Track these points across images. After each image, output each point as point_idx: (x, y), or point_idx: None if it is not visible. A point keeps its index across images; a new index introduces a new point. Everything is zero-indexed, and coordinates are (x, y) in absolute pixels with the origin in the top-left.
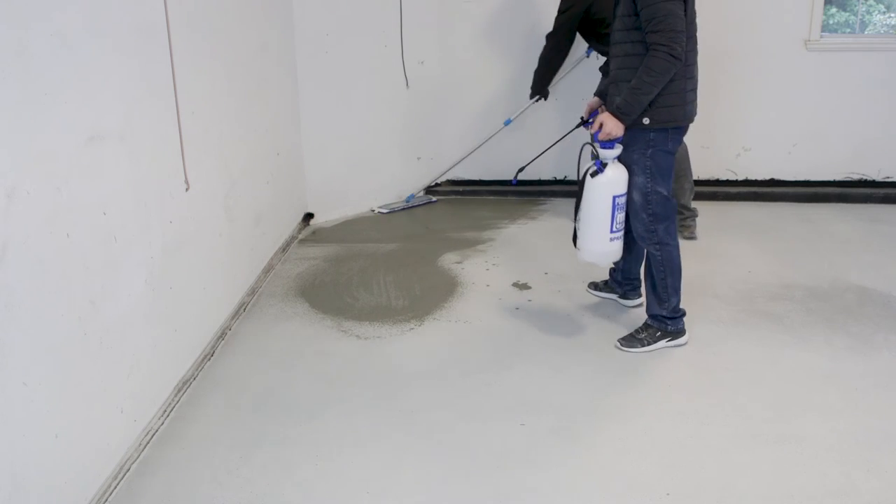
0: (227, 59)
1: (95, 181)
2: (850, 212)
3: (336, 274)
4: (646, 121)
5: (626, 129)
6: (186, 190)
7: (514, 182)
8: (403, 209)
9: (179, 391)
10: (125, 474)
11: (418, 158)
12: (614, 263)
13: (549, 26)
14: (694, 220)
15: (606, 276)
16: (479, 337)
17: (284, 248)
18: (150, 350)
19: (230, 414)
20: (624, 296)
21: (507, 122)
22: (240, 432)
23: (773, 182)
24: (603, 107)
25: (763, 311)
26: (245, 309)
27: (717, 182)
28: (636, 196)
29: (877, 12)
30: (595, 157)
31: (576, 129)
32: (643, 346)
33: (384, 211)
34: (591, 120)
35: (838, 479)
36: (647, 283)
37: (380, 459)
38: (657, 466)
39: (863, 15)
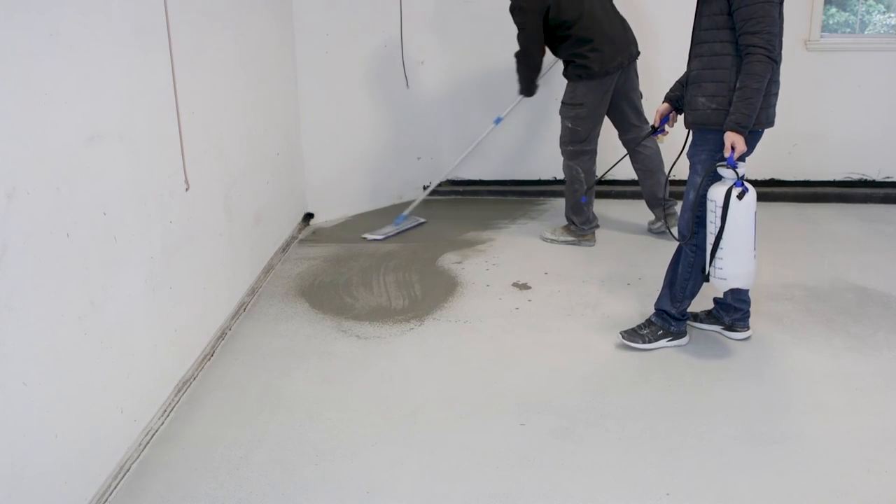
0: (228, 58)
1: (95, 181)
2: (850, 212)
3: (336, 274)
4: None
5: (700, 129)
6: (186, 190)
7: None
8: (397, 234)
9: (179, 391)
10: (125, 474)
11: (418, 158)
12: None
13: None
14: (674, 209)
15: (687, 308)
16: (479, 337)
17: (284, 248)
18: (150, 350)
19: (230, 414)
20: (731, 326)
21: (498, 121)
22: (240, 432)
23: (773, 182)
24: (673, 113)
25: (763, 311)
26: (245, 309)
27: None
28: (690, 195)
29: (877, 12)
30: (714, 177)
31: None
32: (644, 342)
33: (379, 238)
34: (661, 128)
35: (838, 479)
36: (668, 277)
37: (380, 459)
38: (657, 466)
39: (863, 15)
